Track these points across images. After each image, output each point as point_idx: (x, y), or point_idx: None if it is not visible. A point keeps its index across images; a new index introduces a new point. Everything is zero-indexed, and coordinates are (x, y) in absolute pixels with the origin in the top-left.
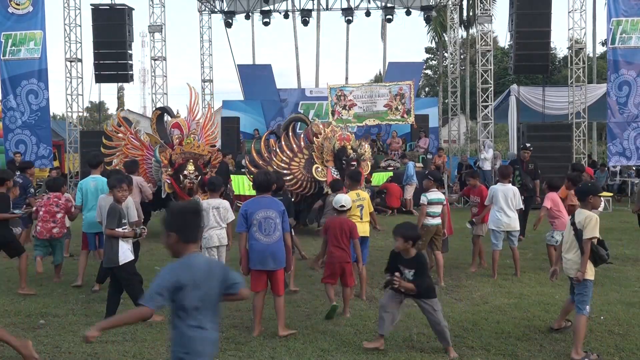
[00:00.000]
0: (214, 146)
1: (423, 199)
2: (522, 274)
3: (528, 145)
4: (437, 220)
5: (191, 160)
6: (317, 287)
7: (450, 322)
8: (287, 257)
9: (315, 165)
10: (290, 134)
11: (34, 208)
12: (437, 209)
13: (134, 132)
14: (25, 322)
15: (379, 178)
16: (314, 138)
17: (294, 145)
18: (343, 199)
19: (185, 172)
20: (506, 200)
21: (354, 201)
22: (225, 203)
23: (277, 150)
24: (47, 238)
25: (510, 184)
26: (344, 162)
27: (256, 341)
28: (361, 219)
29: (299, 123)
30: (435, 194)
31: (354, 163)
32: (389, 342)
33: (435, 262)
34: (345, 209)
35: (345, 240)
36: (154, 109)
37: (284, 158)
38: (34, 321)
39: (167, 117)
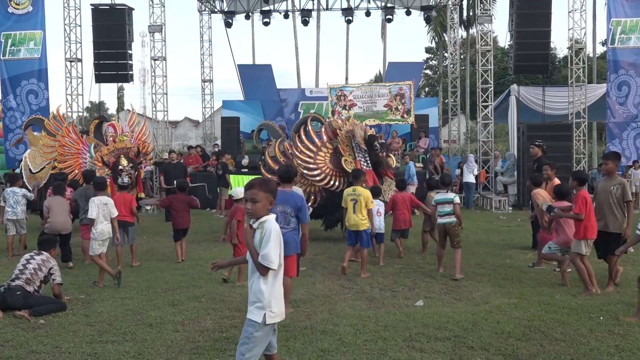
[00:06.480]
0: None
1: (432, 201)
2: (522, 274)
3: (539, 141)
4: (445, 220)
5: (122, 155)
6: (317, 287)
7: (450, 322)
8: (303, 245)
9: (343, 158)
10: (308, 130)
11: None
12: (443, 208)
13: (70, 126)
14: (25, 322)
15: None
16: (338, 130)
17: (316, 140)
18: (240, 190)
19: (121, 167)
20: None
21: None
22: (111, 200)
23: (297, 148)
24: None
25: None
26: (376, 146)
27: None
28: (354, 212)
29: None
30: (442, 195)
31: (385, 150)
32: (389, 342)
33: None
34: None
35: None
36: (153, 109)
37: (308, 153)
38: (34, 321)
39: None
